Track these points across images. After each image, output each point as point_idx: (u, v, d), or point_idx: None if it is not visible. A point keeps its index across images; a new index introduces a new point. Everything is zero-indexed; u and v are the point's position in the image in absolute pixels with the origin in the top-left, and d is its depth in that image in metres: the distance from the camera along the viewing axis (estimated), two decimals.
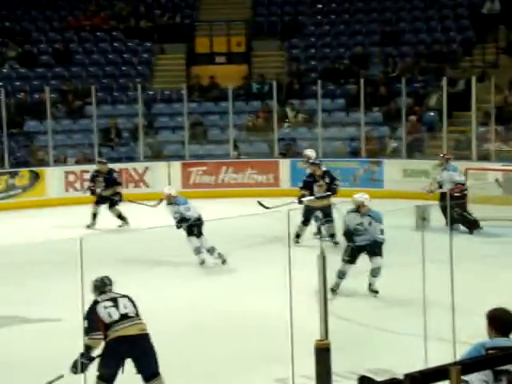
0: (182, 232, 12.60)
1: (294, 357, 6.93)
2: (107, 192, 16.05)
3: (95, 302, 7.22)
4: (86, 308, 7.01)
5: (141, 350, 7.10)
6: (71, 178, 19.52)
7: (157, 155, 20.75)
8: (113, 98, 22.24)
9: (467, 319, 7.46)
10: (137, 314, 7.22)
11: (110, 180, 16.18)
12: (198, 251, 12.58)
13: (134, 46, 23.99)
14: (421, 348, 7.40)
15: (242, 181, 19.97)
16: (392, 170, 18.91)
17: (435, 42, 22.53)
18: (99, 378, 7.06)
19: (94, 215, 16.02)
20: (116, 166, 19.12)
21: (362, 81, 19.74)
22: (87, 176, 19.28)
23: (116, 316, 7.12)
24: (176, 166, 19.96)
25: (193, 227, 12.54)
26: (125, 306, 7.20)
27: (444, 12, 23.59)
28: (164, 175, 19.66)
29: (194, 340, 9.02)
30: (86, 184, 17.32)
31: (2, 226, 16.30)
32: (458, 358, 5.12)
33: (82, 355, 6.98)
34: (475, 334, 5.32)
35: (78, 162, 20.21)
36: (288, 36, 23.89)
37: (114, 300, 7.22)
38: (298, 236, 13.71)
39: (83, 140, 20.65)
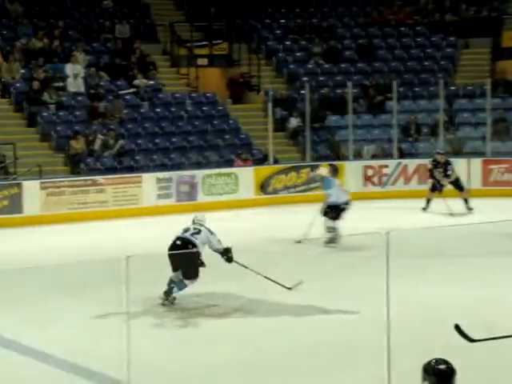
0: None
1: None
2: (445, 181, 17.08)
3: None
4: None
5: None
6: (370, 172, 19.70)
7: (457, 151, 20.40)
8: (414, 94, 22.15)
9: None
10: None
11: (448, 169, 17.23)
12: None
13: (437, 40, 23.75)
14: None
15: None
16: None
17: None
18: None
19: (428, 200, 17.19)
20: (415, 162, 19.30)
21: None
22: (385, 171, 19.54)
23: None
24: (476, 162, 19.50)
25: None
26: None
27: None
28: (464, 172, 19.27)
29: None
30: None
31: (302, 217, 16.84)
32: None
33: None
34: None
35: (375, 157, 20.37)
36: None
37: None
38: None
39: (382, 135, 20.78)
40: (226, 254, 10.38)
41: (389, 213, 16.90)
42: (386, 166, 19.71)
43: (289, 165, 19.61)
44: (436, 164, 17.22)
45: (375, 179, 19.66)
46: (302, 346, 8.70)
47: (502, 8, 24.33)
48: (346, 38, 24.07)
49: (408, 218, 16.26)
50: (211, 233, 10.40)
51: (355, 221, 15.73)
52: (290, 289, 10.62)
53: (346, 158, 20.08)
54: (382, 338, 6.60)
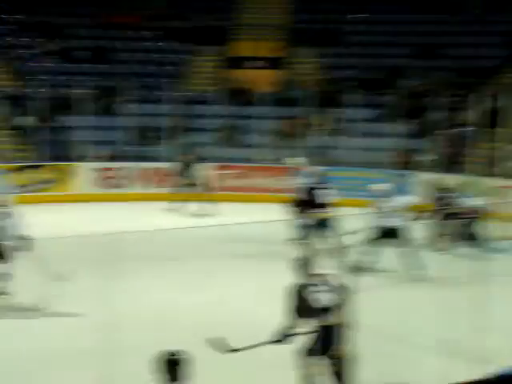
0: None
1: None
2: (188, 182, 17.70)
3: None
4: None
5: None
6: (104, 174, 19.55)
7: (189, 156, 20.70)
8: (146, 98, 22.23)
9: None
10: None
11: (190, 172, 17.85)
12: None
13: (170, 46, 24.04)
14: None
15: (270, 186, 19.91)
16: (423, 183, 18.65)
17: (473, 57, 22.32)
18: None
19: (174, 202, 17.62)
20: (149, 165, 19.47)
21: (398, 92, 19.64)
22: (120, 173, 19.55)
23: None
24: (208, 168, 19.86)
25: None
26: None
27: (487, 27, 23.36)
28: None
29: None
30: None
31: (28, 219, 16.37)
32: None
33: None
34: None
35: (110, 159, 20.26)
36: (326, 43, 23.77)
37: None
38: None
39: (117, 137, 20.73)
40: (25, 239, 10.18)
41: (123, 215, 16.88)
42: (121, 169, 19.69)
43: (18, 164, 19.02)
44: (180, 166, 17.66)
45: (110, 181, 19.56)
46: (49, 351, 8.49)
47: (233, 18, 25.04)
48: (79, 38, 23.75)
49: (142, 220, 16.31)
50: (14, 214, 10.32)
51: (81, 223, 15.51)
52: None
53: (79, 160, 19.80)
54: (103, 341, 6.58)
